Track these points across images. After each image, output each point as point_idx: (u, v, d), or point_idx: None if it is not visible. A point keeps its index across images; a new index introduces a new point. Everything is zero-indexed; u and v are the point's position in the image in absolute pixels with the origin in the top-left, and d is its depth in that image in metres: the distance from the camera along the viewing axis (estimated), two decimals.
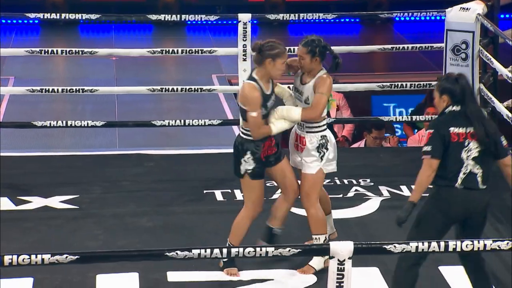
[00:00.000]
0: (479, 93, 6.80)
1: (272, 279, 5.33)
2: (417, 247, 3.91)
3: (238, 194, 6.58)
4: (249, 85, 5.26)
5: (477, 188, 4.69)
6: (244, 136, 5.32)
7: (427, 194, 4.83)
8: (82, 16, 6.99)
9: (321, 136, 5.36)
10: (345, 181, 6.83)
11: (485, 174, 4.71)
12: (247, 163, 5.32)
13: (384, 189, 6.65)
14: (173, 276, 5.31)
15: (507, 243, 3.80)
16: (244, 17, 6.98)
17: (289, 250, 3.83)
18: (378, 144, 8.46)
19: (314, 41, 5.31)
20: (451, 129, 4.65)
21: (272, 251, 3.82)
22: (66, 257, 3.76)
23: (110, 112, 8.75)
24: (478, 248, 3.85)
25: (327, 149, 5.37)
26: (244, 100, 5.24)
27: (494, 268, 5.41)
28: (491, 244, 3.84)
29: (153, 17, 7.15)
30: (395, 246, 3.90)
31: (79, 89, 7.15)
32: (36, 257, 3.76)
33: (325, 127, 5.38)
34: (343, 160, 7.29)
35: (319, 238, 5.34)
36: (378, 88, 7.32)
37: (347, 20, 12.58)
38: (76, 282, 5.22)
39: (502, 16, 7.24)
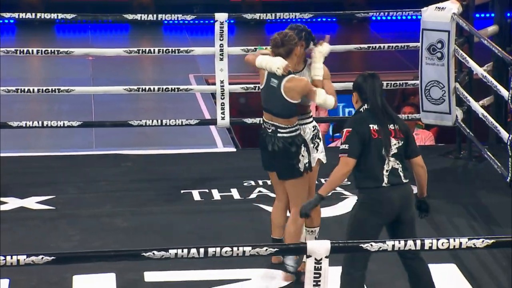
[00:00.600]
0: (454, 92, 6.83)
1: (250, 279, 5.34)
2: (393, 245, 3.92)
3: (216, 194, 6.58)
4: (299, 78, 5.20)
5: (402, 183, 4.71)
6: (290, 134, 5.21)
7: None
8: (58, 15, 6.96)
9: (313, 127, 5.37)
10: (322, 180, 6.84)
11: (404, 168, 4.73)
12: (304, 157, 5.23)
13: None
14: (150, 276, 5.30)
15: (482, 241, 3.83)
16: (221, 17, 6.98)
17: (266, 249, 3.83)
18: None
19: (299, 26, 5.33)
20: (371, 126, 4.67)
21: (250, 251, 3.82)
22: (42, 258, 3.75)
23: (87, 112, 8.71)
24: (454, 246, 3.87)
25: (320, 139, 5.39)
26: (304, 91, 5.17)
27: (471, 266, 5.45)
28: (466, 242, 3.87)
29: (129, 16, 7.13)
30: (371, 245, 3.91)
31: (55, 89, 7.11)
32: (11, 258, 3.74)
33: (312, 117, 5.40)
34: None
35: (315, 231, 5.37)
36: None
37: (324, 19, 12.60)
38: (52, 283, 5.20)
39: (477, 15, 7.25)
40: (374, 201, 4.67)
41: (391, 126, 4.69)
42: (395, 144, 4.68)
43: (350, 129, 4.67)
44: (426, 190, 4.84)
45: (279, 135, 5.22)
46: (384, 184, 4.67)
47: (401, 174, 4.70)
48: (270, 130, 5.25)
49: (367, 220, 4.64)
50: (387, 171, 4.68)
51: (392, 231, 4.75)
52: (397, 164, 4.70)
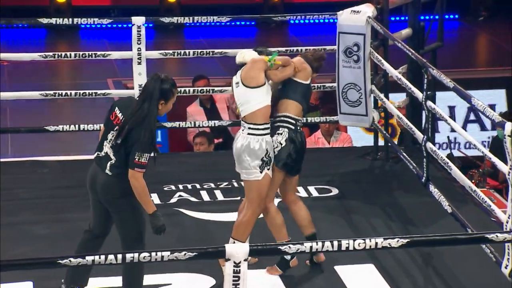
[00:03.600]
0: (370, 94, 6.94)
1: (170, 284, 5.32)
2: (311, 247, 3.96)
3: (156, 199, 6.54)
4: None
5: (104, 171, 4.92)
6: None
7: None
8: None
9: None
10: (243, 184, 6.86)
11: (117, 163, 4.87)
12: None
13: None
14: None
15: (397, 241, 3.90)
16: (138, 20, 6.94)
17: (185, 254, 3.83)
18: None
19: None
20: (116, 109, 4.92)
21: (168, 255, 3.81)
22: None
23: (1, 118, 8.56)
24: (370, 246, 3.93)
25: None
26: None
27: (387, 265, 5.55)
28: (382, 242, 3.93)
29: (44, 20, 7.04)
30: (289, 247, 3.95)
31: None
32: None
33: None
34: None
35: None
36: None
37: (243, 23, 12.65)
38: None
39: (392, 18, 7.37)
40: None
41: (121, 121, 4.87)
42: (115, 137, 4.87)
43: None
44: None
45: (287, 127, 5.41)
46: (94, 157, 5.00)
47: (108, 165, 4.89)
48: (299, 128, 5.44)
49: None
50: (104, 152, 4.93)
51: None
52: (112, 155, 4.89)
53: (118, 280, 5.15)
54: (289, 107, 5.39)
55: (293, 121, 5.37)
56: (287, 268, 5.42)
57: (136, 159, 4.78)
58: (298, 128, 5.40)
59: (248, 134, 5.27)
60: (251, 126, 5.26)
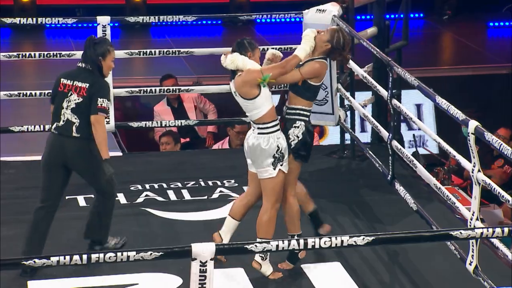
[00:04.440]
0: (337, 92, 6.96)
1: (137, 284, 5.31)
2: (277, 245, 3.97)
3: (122, 199, 6.51)
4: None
5: (70, 136, 5.35)
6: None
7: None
8: None
9: None
10: (210, 183, 6.87)
11: (81, 124, 5.35)
12: None
13: None
14: (34, 285, 5.21)
15: (363, 238, 3.92)
16: (103, 20, 6.91)
17: (151, 253, 3.82)
18: (241, 139, 8.54)
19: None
20: (62, 80, 5.42)
21: (134, 255, 3.80)
22: None
23: None
24: (336, 244, 3.95)
25: None
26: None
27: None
28: (348, 240, 3.95)
29: (8, 20, 6.97)
30: (256, 246, 3.95)
31: None
32: None
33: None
34: (207, 162, 7.38)
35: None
36: None
37: (209, 22, 12.63)
38: None
39: (358, 17, 7.41)
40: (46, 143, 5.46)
41: (79, 84, 5.35)
42: (75, 100, 5.34)
43: None
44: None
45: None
46: (53, 131, 5.40)
47: (74, 128, 5.34)
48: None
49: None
50: (63, 121, 5.37)
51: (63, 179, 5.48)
52: (75, 119, 5.35)
53: (118, 279, 5.20)
54: (302, 100, 5.45)
55: (307, 113, 5.45)
56: (297, 261, 5.49)
57: (99, 104, 5.29)
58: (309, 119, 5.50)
59: (259, 134, 5.33)
60: (260, 126, 5.33)
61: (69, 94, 5.37)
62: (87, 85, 5.35)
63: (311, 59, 5.42)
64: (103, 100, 5.30)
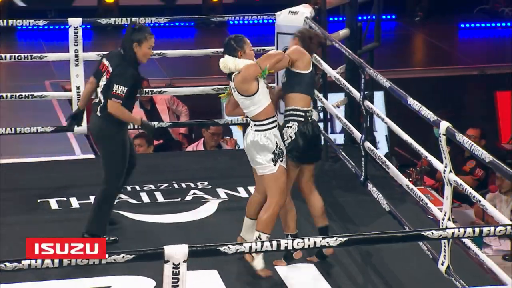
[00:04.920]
0: None
1: (110, 286, 5.29)
2: (250, 247, 3.97)
3: (74, 202, 6.48)
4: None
5: (96, 114, 5.66)
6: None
7: None
8: None
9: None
10: (183, 185, 6.85)
11: (104, 105, 5.59)
12: None
13: (221, 191, 6.71)
14: None
15: (336, 239, 3.93)
16: (75, 22, 6.88)
17: (123, 256, 3.81)
18: (216, 141, 8.55)
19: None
20: (104, 59, 5.69)
21: (106, 258, 3.78)
22: None
23: None
24: (309, 245, 3.95)
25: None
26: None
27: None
28: (320, 241, 3.96)
29: None
30: (229, 247, 3.95)
31: None
32: None
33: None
34: (181, 164, 7.36)
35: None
36: (213, 91, 7.39)
37: (182, 24, 12.61)
38: None
39: (330, 19, 7.44)
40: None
41: (109, 67, 5.61)
42: (103, 81, 5.62)
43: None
44: None
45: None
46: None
47: (99, 108, 5.63)
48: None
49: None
50: (98, 99, 5.68)
51: None
52: (102, 99, 5.62)
53: (90, 282, 5.17)
54: (297, 100, 5.47)
55: (302, 113, 5.45)
56: (292, 260, 5.52)
57: (114, 90, 5.50)
58: (309, 118, 5.47)
59: (256, 130, 5.38)
60: (257, 123, 5.37)
61: (103, 74, 5.64)
62: (112, 69, 5.56)
63: None
64: (118, 87, 5.49)
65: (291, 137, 5.44)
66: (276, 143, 5.37)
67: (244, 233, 5.57)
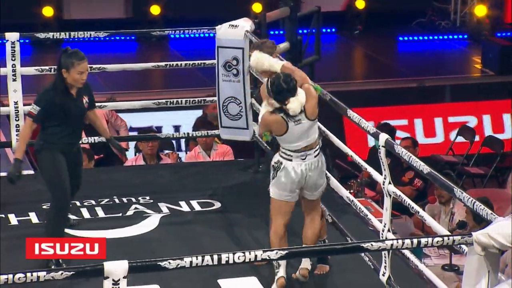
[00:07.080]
0: (251, 107, 6.99)
1: None
2: (191, 262, 3.95)
3: (13, 219, 6.38)
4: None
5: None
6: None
7: None
8: None
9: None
10: (124, 200, 6.80)
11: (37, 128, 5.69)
12: None
13: (163, 206, 6.68)
14: None
15: (276, 253, 3.93)
16: (12, 36, 6.80)
17: (62, 273, 3.76)
18: (153, 152, 8.50)
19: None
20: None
21: (44, 275, 3.72)
22: None
23: None
24: (250, 259, 3.95)
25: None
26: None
27: None
28: (261, 255, 3.96)
29: None
30: (169, 262, 3.92)
31: None
32: None
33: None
34: (122, 179, 7.31)
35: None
36: (154, 105, 7.36)
37: (122, 38, 12.56)
38: None
39: (271, 32, 7.47)
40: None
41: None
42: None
43: None
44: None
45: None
46: None
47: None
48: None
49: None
50: None
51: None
52: None
53: None
54: None
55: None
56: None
57: (30, 109, 5.67)
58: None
59: (318, 154, 5.40)
60: (318, 145, 5.43)
61: None
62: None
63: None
64: (32, 106, 5.64)
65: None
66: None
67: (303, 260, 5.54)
